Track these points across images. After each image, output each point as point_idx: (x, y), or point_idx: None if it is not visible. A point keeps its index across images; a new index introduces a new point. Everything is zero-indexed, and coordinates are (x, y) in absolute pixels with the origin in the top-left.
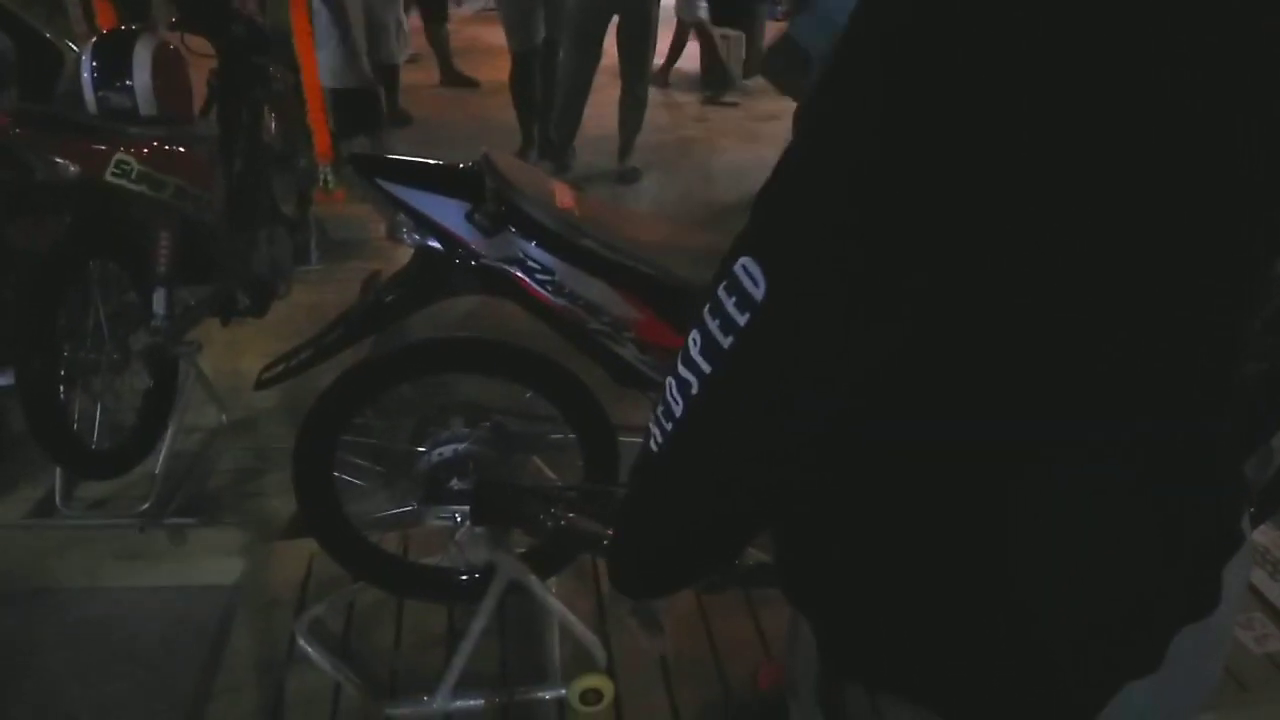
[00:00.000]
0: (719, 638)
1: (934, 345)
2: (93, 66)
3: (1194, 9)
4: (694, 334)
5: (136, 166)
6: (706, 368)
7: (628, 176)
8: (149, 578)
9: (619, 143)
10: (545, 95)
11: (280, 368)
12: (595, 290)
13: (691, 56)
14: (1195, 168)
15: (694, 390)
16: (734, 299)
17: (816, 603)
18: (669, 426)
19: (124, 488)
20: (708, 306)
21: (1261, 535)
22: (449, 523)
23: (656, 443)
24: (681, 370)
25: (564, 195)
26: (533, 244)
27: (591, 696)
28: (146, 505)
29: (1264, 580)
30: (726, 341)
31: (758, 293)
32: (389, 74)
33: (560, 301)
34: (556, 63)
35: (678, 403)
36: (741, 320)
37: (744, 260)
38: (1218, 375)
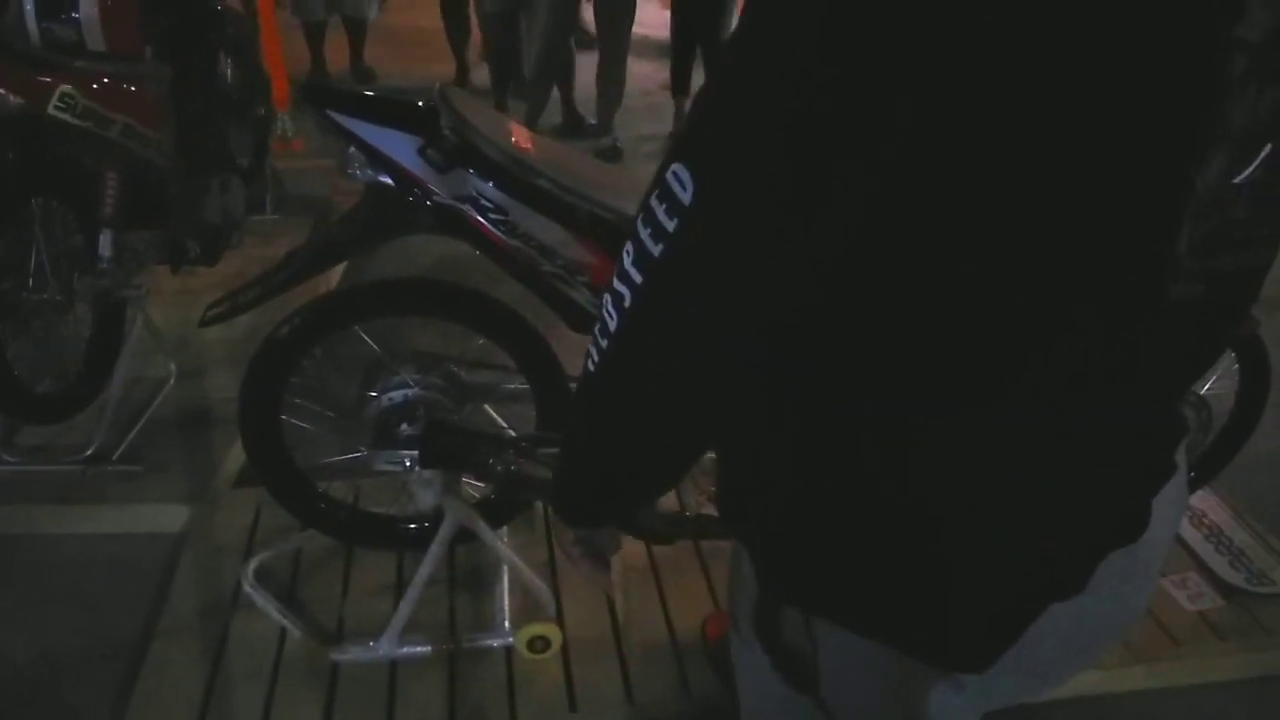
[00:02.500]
0: (668, 589)
1: (860, 287)
2: None
3: None
4: (628, 245)
5: (82, 101)
6: (638, 278)
7: (609, 155)
8: (92, 525)
9: (597, 118)
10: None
11: (225, 305)
12: (550, 232)
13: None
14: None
15: (627, 302)
16: (664, 206)
17: (755, 532)
18: (604, 343)
19: (67, 433)
20: (641, 216)
21: (1199, 500)
22: (398, 468)
23: (594, 362)
24: (616, 284)
25: (521, 135)
26: (488, 183)
27: (539, 644)
28: (90, 451)
29: (1200, 541)
30: (657, 250)
31: (685, 197)
32: (356, 28)
33: (513, 242)
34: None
35: (612, 317)
36: (671, 226)
37: (674, 166)
38: (1141, 303)
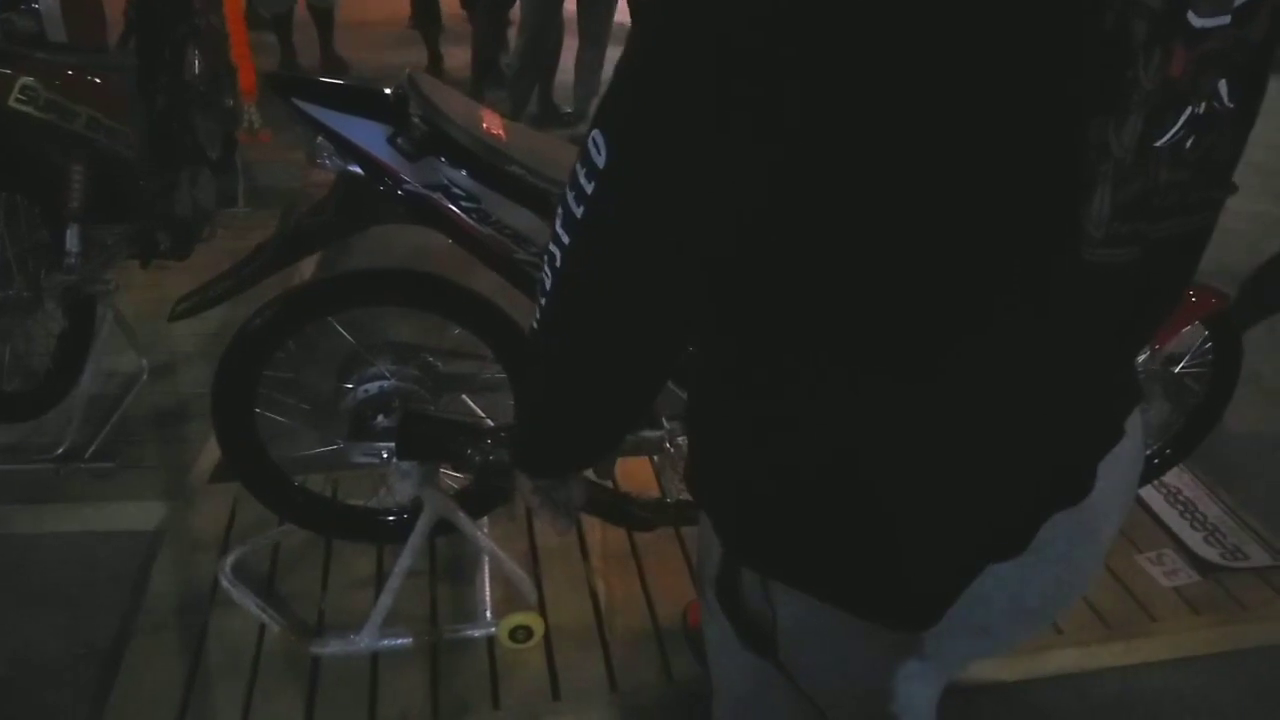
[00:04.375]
0: (650, 575)
1: (773, 248)
2: None
3: None
4: (558, 208)
5: (44, 94)
6: (566, 239)
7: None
8: (65, 523)
9: (574, 106)
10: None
11: (195, 299)
12: (522, 219)
13: None
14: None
15: (558, 262)
16: (585, 170)
17: (715, 497)
18: (542, 301)
19: (38, 432)
20: (568, 181)
21: (1174, 477)
22: (375, 460)
23: (535, 319)
24: (550, 245)
25: (491, 121)
26: (459, 171)
27: (521, 634)
28: (62, 449)
29: (1175, 518)
30: (579, 211)
31: (600, 160)
32: (323, 16)
33: (486, 230)
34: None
35: (548, 277)
36: (589, 189)
37: (593, 132)
38: (1057, 266)
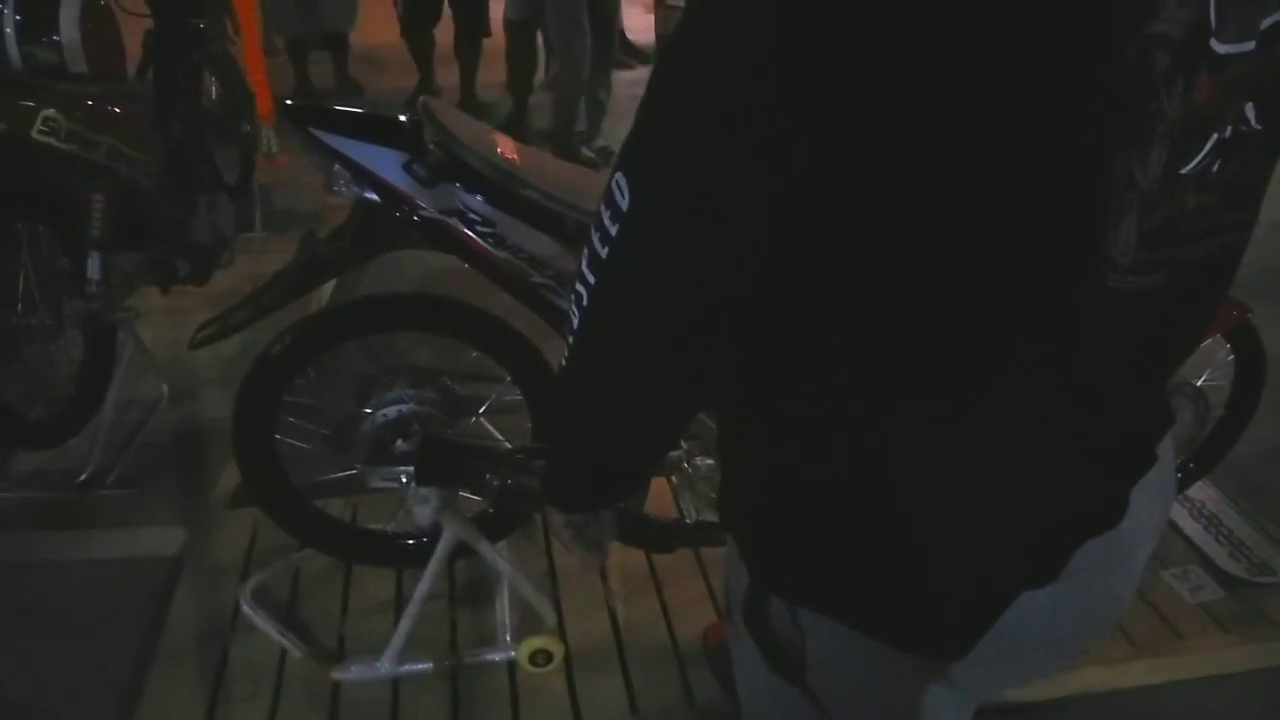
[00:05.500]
0: (670, 598)
1: (793, 286)
2: (17, 20)
3: None
4: (584, 249)
5: (66, 124)
6: (591, 279)
7: (595, 163)
8: (88, 550)
9: (585, 123)
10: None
11: (215, 327)
12: (538, 243)
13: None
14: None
15: (585, 301)
16: (609, 212)
17: (744, 524)
18: (570, 340)
19: (61, 459)
20: (593, 223)
21: (1198, 491)
22: (394, 485)
23: (565, 357)
24: (576, 285)
25: (505, 146)
26: (474, 196)
27: (541, 658)
28: (84, 477)
29: (1199, 533)
30: (604, 252)
31: (624, 203)
32: (338, 42)
33: (502, 254)
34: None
35: (575, 315)
36: (614, 231)
37: (616, 175)
38: (1081, 296)
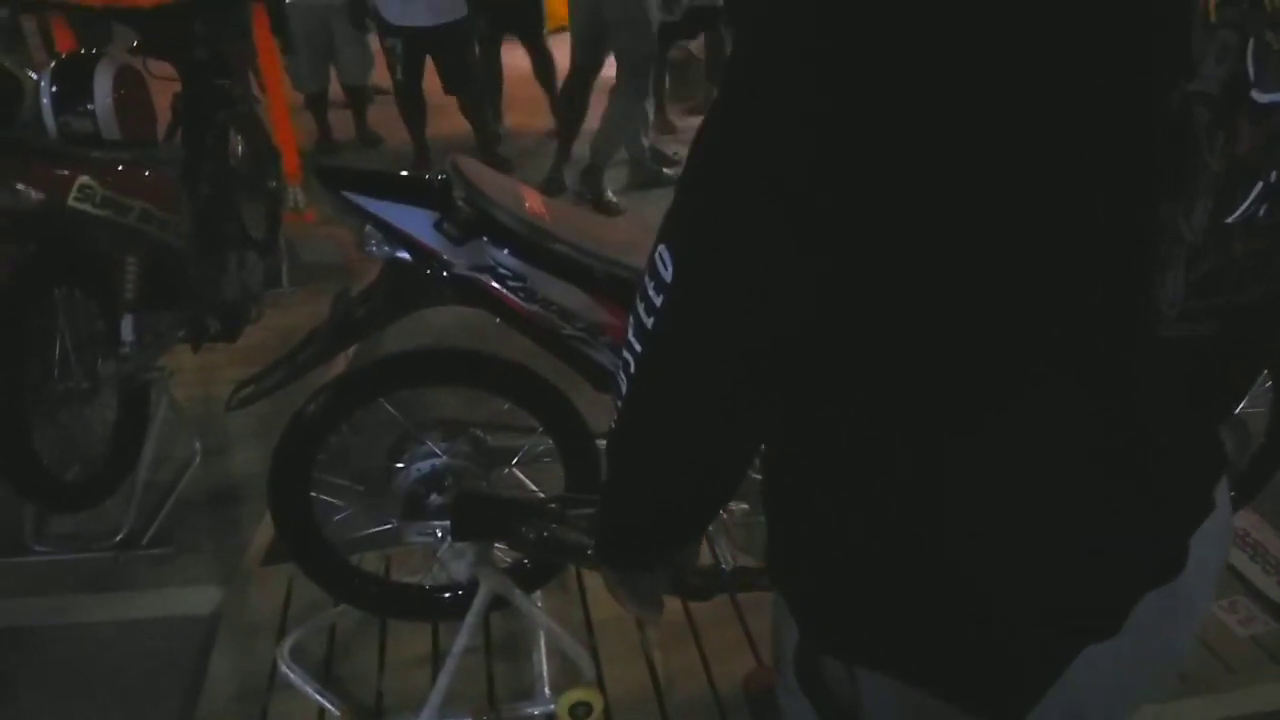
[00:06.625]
0: (708, 645)
1: (843, 349)
2: (53, 91)
3: None
4: (630, 317)
5: (100, 191)
6: (639, 347)
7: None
8: (125, 611)
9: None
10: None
11: (251, 388)
12: (569, 295)
13: None
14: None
15: (632, 369)
16: (653, 283)
17: (790, 578)
18: (620, 405)
19: (97, 520)
20: (638, 292)
21: (1242, 519)
22: (430, 539)
23: (615, 420)
24: (624, 352)
25: (533, 200)
26: (504, 251)
27: (581, 710)
28: (120, 537)
29: (1245, 562)
30: (650, 322)
31: (667, 275)
32: (356, 95)
33: (534, 308)
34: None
35: (623, 382)
36: (658, 301)
37: (660, 246)
38: (1127, 346)
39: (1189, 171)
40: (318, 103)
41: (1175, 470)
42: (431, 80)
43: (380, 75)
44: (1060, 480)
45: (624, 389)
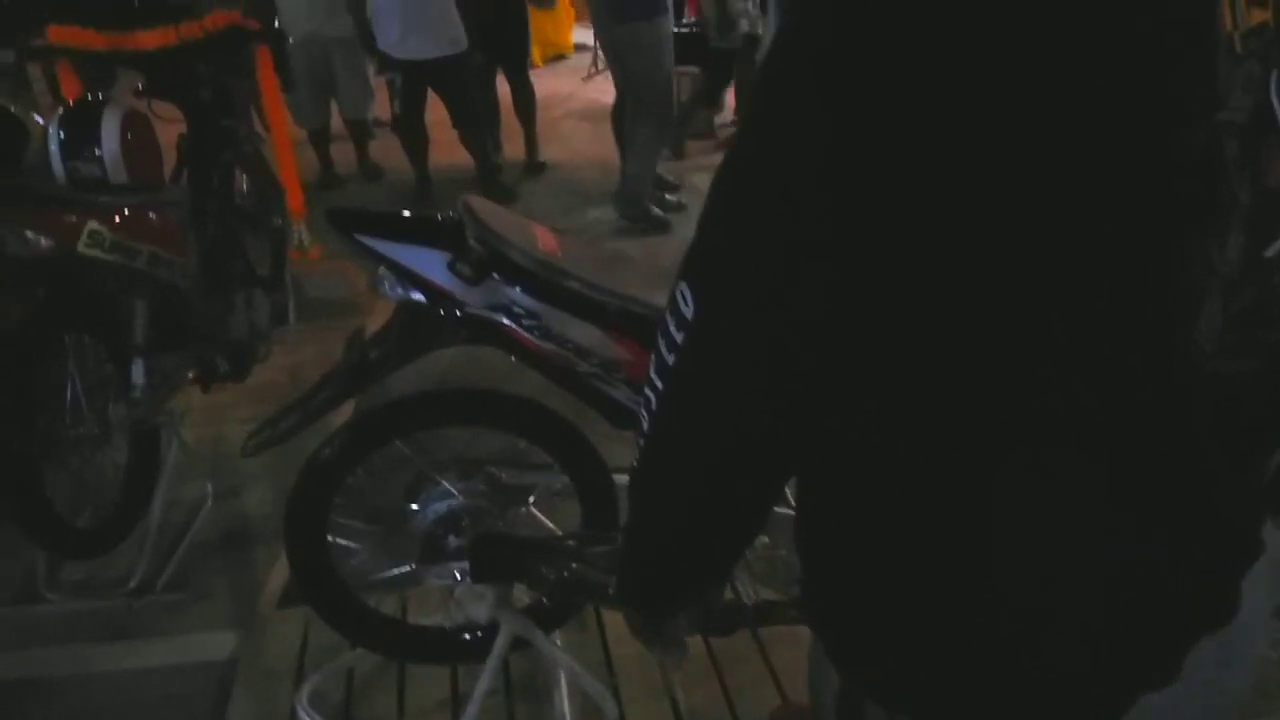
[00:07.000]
0: (730, 681)
1: (880, 354)
2: (60, 137)
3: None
4: (652, 355)
5: (109, 236)
6: (660, 384)
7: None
8: (140, 659)
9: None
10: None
11: (266, 433)
12: (584, 333)
13: None
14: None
15: (654, 406)
16: (674, 320)
17: (828, 620)
18: (642, 443)
19: (109, 566)
20: (659, 329)
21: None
22: (449, 582)
23: (637, 459)
24: (646, 390)
25: (546, 239)
26: (518, 290)
27: None
28: (134, 583)
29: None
30: (671, 359)
31: (688, 312)
32: (357, 129)
33: (549, 346)
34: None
35: (645, 419)
36: (680, 339)
37: (680, 284)
38: (1160, 384)
39: (1219, 203)
40: (319, 137)
41: (1223, 511)
42: (432, 112)
43: (381, 108)
44: (1104, 522)
45: (646, 426)
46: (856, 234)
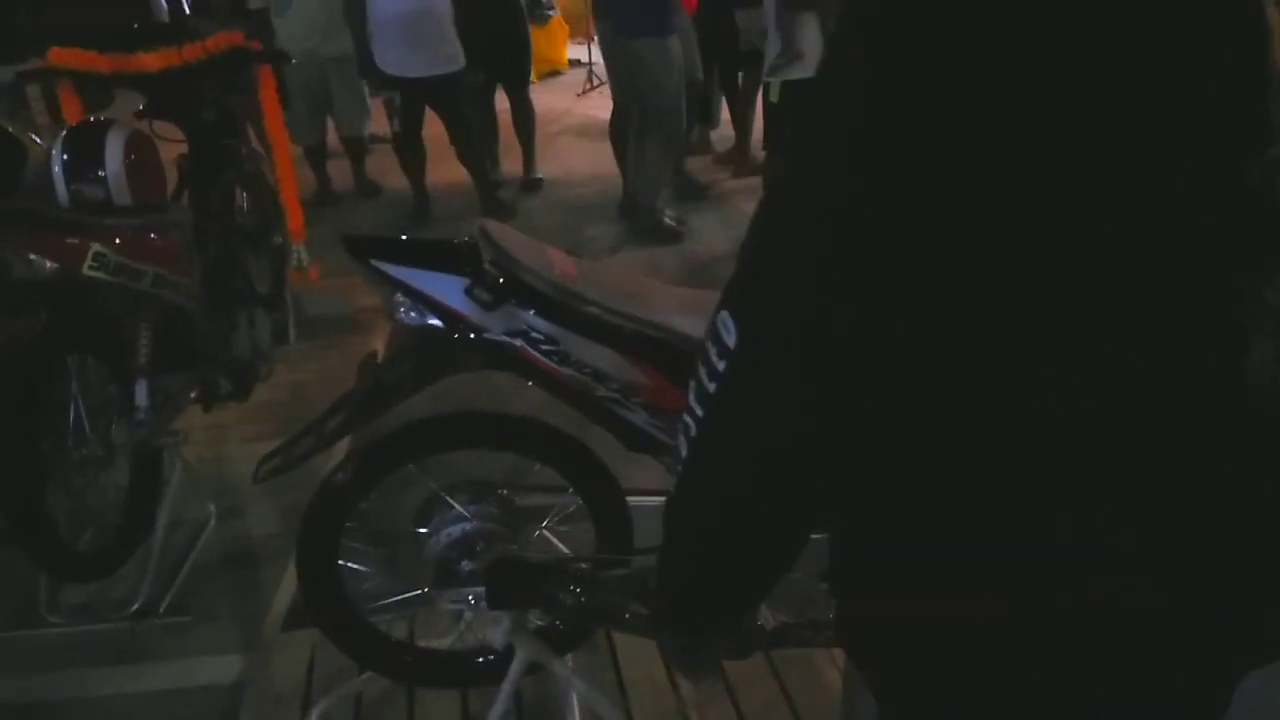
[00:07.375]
0: (744, 704)
1: (904, 415)
2: (64, 159)
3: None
4: (692, 382)
5: (114, 258)
6: (700, 412)
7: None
8: (144, 683)
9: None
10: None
11: (279, 459)
12: (601, 357)
13: None
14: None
15: (693, 433)
16: (715, 349)
17: (866, 653)
18: (680, 470)
19: (112, 589)
20: (700, 358)
21: None
22: (463, 607)
23: (674, 487)
24: (685, 417)
25: (563, 263)
26: (535, 314)
27: None
28: (137, 606)
29: None
30: (712, 387)
31: (730, 340)
32: (354, 146)
33: (566, 371)
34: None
35: (684, 446)
36: (721, 367)
37: (721, 313)
38: (1227, 407)
39: (1272, 239)
40: (316, 154)
41: (1274, 546)
42: (430, 129)
43: (378, 124)
44: (1152, 556)
45: (685, 453)
46: (896, 257)
